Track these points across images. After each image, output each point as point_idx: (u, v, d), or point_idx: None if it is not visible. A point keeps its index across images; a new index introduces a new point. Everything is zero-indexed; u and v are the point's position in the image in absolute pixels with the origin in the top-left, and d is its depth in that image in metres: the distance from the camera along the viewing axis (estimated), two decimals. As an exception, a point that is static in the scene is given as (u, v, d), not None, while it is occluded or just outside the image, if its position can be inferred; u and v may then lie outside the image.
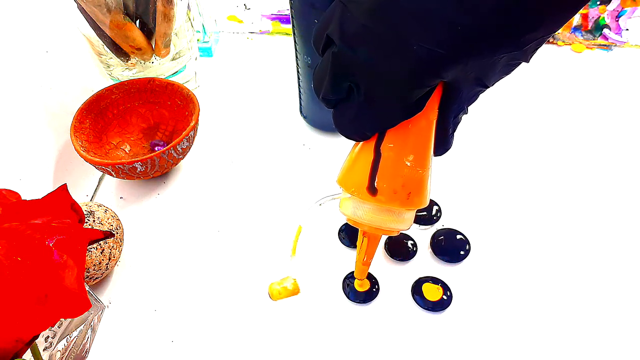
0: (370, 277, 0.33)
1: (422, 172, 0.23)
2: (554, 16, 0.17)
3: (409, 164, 0.22)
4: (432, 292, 0.32)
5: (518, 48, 0.18)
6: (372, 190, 0.23)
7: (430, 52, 0.17)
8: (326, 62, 0.21)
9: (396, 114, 0.21)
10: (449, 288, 0.32)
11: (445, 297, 0.32)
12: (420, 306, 0.32)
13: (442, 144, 0.24)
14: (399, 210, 0.24)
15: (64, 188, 0.23)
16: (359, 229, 0.27)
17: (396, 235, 0.27)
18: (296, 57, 0.39)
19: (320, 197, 0.27)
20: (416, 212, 0.26)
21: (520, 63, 0.20)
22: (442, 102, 0.22)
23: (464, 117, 0.24)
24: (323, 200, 0.27)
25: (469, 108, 0.23)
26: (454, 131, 0.24)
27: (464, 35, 0.17)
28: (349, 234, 0.35)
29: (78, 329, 0.28)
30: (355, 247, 0.35)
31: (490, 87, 0.21)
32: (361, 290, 0.32)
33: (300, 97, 0.43)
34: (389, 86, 0.20)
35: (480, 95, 0.23)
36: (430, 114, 0.22)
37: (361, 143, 0.24)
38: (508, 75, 0.21)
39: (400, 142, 0.22)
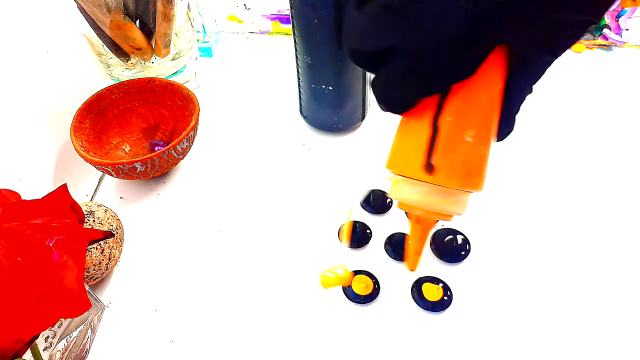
0: (371, 277, 0.33)
1: (484, 150, 0.21)
2: None
3: (469, 139, 0.20)
4: (432, 292, 0.32)
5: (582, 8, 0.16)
6: (429, 168, 0.21)
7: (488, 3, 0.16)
8: (371, 15, 0.19)
9: (445, 76, 0.19)
10: (449, 288, 0.32)
11: (445, 297, 0.32)
12: (420, 306, 0.31)
13: (505, 125, 0.22)
14: (456, 191, 0.22)
15: (64, 188, 0.23)
16: (411, 217, 0.25)
17: (450, 221, 0.25)
18: (296, 57, 0.39)
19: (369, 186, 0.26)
20: None
21: (591, 23, 0.18)
22: (507, 75, 0.20)
23: None
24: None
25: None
26: (518, 111, 0.22)
27: None
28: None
29: (78, 329, 0.28)
30: (355, 247, 0.35)
31: (560, 57, 0.19)
32: (362, 294, 0.32)
33: (300, 97, 0.43)
34: (439, 43, 0.18)
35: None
36: (493, 87, 0.20)
37: (411, 120, 0.22)
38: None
39: (461, 115, 0.20)
